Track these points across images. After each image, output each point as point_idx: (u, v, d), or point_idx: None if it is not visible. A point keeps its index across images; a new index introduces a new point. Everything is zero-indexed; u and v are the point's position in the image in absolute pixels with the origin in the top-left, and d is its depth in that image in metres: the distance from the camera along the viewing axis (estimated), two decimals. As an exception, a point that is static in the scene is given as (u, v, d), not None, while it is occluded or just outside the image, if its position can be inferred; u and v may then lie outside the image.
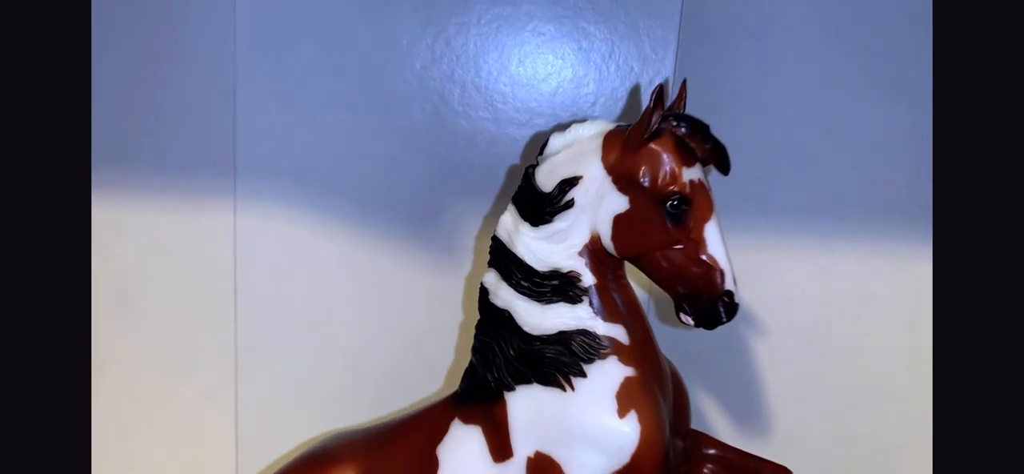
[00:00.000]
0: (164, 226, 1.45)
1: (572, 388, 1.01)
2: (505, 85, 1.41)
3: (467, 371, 1.12)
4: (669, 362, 1.14)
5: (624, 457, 0.98)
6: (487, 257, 1.10)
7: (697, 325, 0.99)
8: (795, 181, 1.42)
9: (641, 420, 0.99)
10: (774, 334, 1.48)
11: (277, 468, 1.20)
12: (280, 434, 1.50)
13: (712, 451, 1.16)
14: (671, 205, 0.96)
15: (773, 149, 1.40)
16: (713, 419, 1.47)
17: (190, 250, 1.46)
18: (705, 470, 1.16)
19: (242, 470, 1.53)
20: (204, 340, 1.50)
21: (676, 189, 0.96)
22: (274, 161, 1.41)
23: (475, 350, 1.10)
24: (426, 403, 1.18)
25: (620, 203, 0.99)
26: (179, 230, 1.45)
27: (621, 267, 1.06)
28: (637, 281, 1.40)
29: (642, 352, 1.04)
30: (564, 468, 1.00)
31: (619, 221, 0.99)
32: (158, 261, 1.46)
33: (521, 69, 1.40)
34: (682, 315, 1.01)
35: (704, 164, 1.00)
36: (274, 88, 1.40)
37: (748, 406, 1.47)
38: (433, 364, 1.47)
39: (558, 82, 1.40)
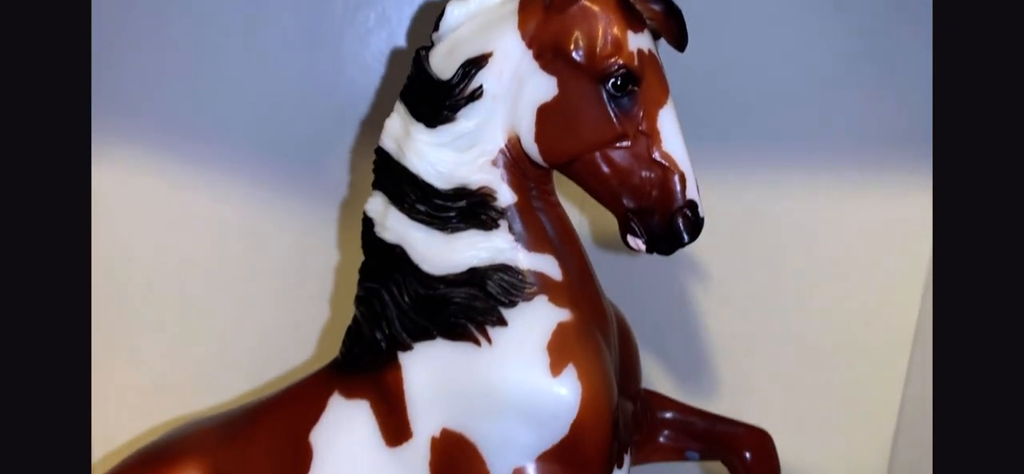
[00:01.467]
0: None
1: (489, 341, 0.83)
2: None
3: (349, 331, 0.93)
4: (614, 306, 0.96)
5: (561, 428, 0.80)
6: (370, 177, 0.91)
7: (650, 250, 0.84)
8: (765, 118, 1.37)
9: (581, 377, 0.81)
10: (729, 280, 1.43)
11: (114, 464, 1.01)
12: (136, 424, 1.35)
13: (669, 414, 1.01)
14: (614, 85, 0.80)
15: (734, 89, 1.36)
16: (662, 382, 1.38)
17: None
18: (661, 437, 1.00)
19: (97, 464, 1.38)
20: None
21: (620, 61, 0.80)
22: (127, 94, 1.28)
23: (359, 301, 0.92)
24: (298, 376, 0.98)
25: (545, 87, 0.82)
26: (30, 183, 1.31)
27: (549, 180, 0.90)
28: (567, 195, 1.31)
29: (579, 289, 0.87)
30: (481, 449, 0.82)
31: (545, 113, 0.82)
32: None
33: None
34: (630, 238, 0.84)
35: (655, 36, 0.83)
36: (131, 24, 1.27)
37: (696, 363, 1.41)
38: (302, 325, 1.33)
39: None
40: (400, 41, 1.34)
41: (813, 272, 1.48)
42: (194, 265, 1.35)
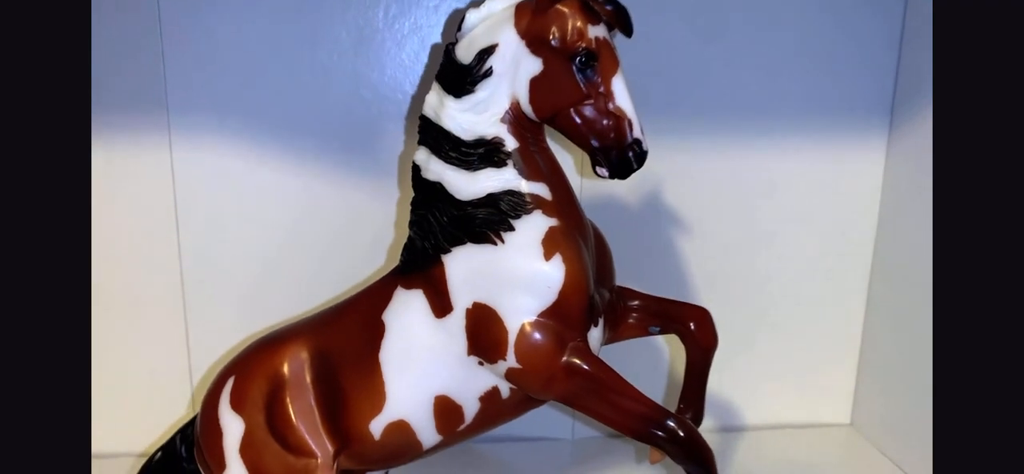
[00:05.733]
0: (99, 167, 1.44)
1: (502, 241, 1.06)
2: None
3: (406, 245, 1.15)
4: (592, 223, 1.21)
5: (552, 295, 1.04)
6: (410, 152, 1.13)
7: (612, 176, 1.05)
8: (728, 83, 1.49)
9: (565, 262, 1.04)
10: (698, 233, 1.56)
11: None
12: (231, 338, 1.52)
13: (636, 302, 1.25)
14: (580, 61, 1.01)
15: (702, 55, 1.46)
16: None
17: (128, 190, 1.47)
18: (631, 319, 1.24)
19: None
20: (150, 279, 1.50)
21: (583, 45, 1.00)
22: (204, 92, 1.41)
23: (412, 224, 1.14)
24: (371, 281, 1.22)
25: (534, 65, 1.04)
26: (116, 170, 1.45)
27: (541, 131, 1.11)
28: (568, 163, 1.46)
29: (564, 207, 1.09)
30: (499, 312, 1.05)
31: (535, 83, 1.04)
32: (97, 205, 1.46)
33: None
34: (598, 169, 1.06)
35: (609, 28, 1.05)
36: (199, 18, 1.39)
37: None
38: (376, 243, 1.51)
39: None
40: (428, 44, 1.45)
41: (779, 221, 1.57)
42: (272, 226, 1.48)
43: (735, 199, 1.55)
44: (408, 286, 1.13)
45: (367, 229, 1.52)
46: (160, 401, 1.57)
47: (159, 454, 1.29)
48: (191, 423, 1.25)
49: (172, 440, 1.28)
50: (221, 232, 1.49)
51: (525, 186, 1.07)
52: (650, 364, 1.65)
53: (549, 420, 1.59)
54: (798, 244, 1.59)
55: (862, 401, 1.67)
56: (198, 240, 1.49)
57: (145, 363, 1.54)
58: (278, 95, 1.43)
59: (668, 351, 1.66)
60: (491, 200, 1.06)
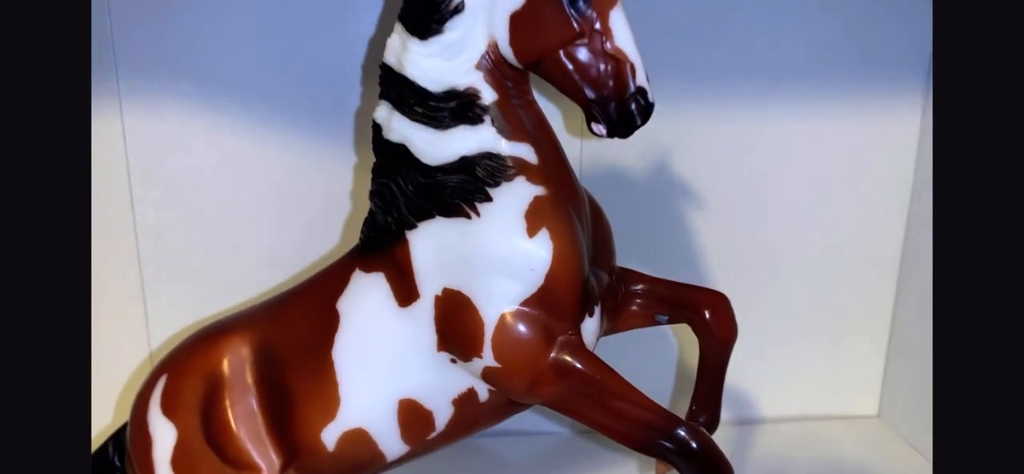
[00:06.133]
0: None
1: (478, 214, 0.95)
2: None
3: (366, 221, 1.05)
4: (588, 192, 1.08)
5: (537, 278, 0.92)
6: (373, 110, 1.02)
7: (610, 135, 0.94)
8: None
9: (553, 238, 0.93)
10: (709, 208, 1.48)
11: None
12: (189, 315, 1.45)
13: (640, 286, 1.12)
14: None
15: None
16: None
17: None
18: (634, 306, 1.12)
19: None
20: (106, 261, 1.43)
21: None
22: (155, 54, 1.34)
23: (372, 194, 1.04)
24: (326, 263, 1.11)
25: None
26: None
27: (525, 80, 1.00)
28: (568, 129, 1.41)
29: (552, 172, 0.98)
30: (474, 300, 0.94)
31: (516, 20, 0.92)
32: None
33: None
34: (593, 126, 0.95)
35: None
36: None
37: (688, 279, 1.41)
38: (329, 219, 1.42)
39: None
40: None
41: (802, 193, 1.50)
42: (231, 188, 1.41)
43: (751, 170, 1.48)
44: (367, 268, 1.02)
45: (331, 197, 1.42)
46: (118, 391, 1.51)
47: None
48: (124, 428, 1.15)
49: (103, 447, 1.18)
50: (178, 206, 1.42)
51: (506, 147, 0.96)
52: (655, 360, 1.59)
53: (548, 411, 1.52)
54: (822, 220, 1.52)
55: (891, 391, 1.61)
56: (155, 215, 1.42)
57: (102, 348, 1.47)
58: (254, 60, 1.36)
59: (677, 344, 1.58)
60: (465, 165, 0.95)
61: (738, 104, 1.44)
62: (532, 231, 0.92)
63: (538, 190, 0.95)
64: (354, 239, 1.08)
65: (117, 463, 1.14)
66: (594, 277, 1.02)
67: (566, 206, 0.97)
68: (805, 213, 1.51)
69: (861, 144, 1.48)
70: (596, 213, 1.07)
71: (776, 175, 1.49)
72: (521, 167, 0.95)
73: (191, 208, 1.41)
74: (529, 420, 1.33)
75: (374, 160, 1.03)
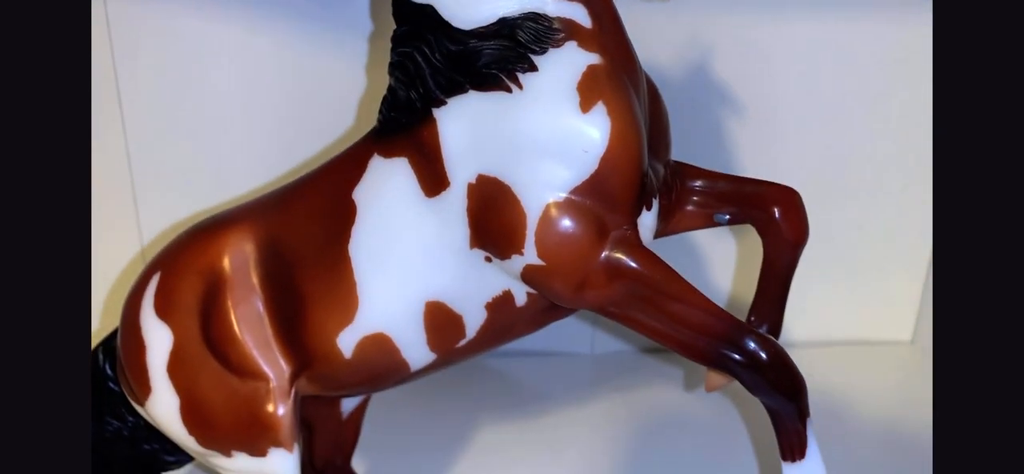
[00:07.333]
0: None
1: (520, 87, 0.84)
2: None
3: (384, 98, 0.94)
4: (645, 72, 0.96)
5: (591, 162, 0.82)
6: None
7: None
8: None
9: (610, 113, 0.82)
10: (749, 112, 1.39)
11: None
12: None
13: (698, 183, 1.01)
14: None
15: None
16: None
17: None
18: (690, 205, 1.01)
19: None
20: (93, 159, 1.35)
21: None
22: None
23: (392, 67, 0.92)
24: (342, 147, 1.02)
25: None
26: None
27: None
28: None
29: (609, 37, 0.87)
30: (515, 188, 0.83)
31: None
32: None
33: None
34: None
35: None
36: None
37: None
38: (342, 97, 1.34)
39: None
40: None
41: (824, 93, 1.41)
42: (229, 62, 1.35)
43: (791, 81, 1.39)
44: (387, 153, 0.93)
45: (327, 77, 1.33)
46: (107, 292, 1.47)
47: None
48: (115, 334, 1.08)
49: (93, 354, 1.10)
50: (168, 97, 1.36)
51: (553, 7, 0.85)
52: (709, 267, 1.51)
53: (565, 331, 1.44)
54: (851, 122, 1.43)
55: (927, 315, 1.56)
56: (143, 108, 1.36)
57: (93, 250, 1.39)
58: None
59: (734, 248, 1.50)
60: (504, 28, 0.85)
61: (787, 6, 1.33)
62: (586, 105, 0.82)
63: (592, 58, 0.84)
64: (371, 120, 0.98)
65: (108, 371, 1.06)
66: (652, 169, 0.91)
67: (624, 79, 0.85)
68: (834, 112, 1.42)
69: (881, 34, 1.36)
70: (653, 94, 0.95)
71: (796, 71, 1.39)
72: (572, 30, 0.84)
73: (184, 85, 1.34)
74: (542, 339, 1.24)
75: (394, 26, 0.92)
